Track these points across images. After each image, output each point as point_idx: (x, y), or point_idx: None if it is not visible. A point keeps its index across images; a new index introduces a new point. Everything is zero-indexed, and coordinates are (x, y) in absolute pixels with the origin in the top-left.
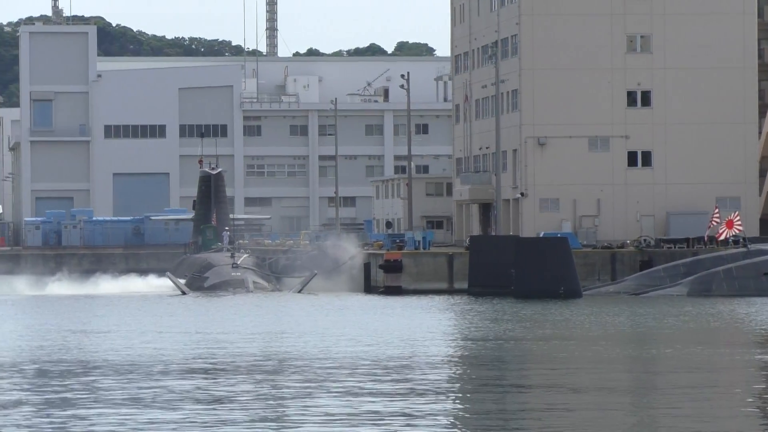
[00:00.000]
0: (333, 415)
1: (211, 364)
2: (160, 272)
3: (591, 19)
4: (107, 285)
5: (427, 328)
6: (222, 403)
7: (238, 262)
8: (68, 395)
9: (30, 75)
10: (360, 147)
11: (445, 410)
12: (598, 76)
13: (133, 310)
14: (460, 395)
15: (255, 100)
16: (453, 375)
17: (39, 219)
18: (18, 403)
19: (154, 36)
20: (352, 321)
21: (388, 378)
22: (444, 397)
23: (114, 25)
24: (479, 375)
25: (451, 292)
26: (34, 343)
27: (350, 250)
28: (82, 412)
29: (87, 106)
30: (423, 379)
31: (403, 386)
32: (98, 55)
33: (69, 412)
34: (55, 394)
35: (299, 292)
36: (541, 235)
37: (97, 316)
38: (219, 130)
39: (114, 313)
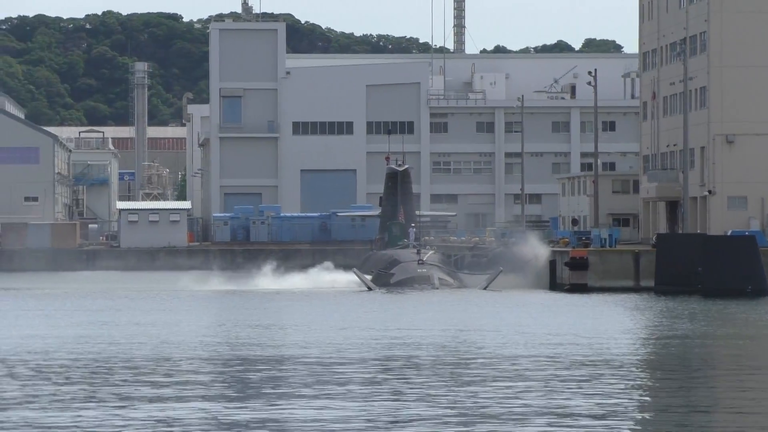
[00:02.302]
0: (510, 412)
1: (396, 359)
2: (347, 268)
3: None
4: (295, 280)
5: (613, 325)
6: (403, 398)
7: (424, 259)
8: (254, 389)
9: (220, 72)
10: (546, 144)
11: (628, 409)
12: None
13: (321, 306)
14: (645, 394)
15: (442, 97)
16: (638, 373)
17: (227, 215)
18: (206, 397)
19: (343, 33)
20: (538, 318)
21: (571, 376)
22: (629, 396)
23: (303, 22)
24: (665, 373)
25: (637, 290)
26: (222, 338)
27: (536, 248)
28: (267, 406)
29: (275, 102)
30: (608, 378)
31: (587, 384)
32: (287, 52)
33: (255, 406)
34: (240, 388)
35: (485, 288)
36: (728, 233)
37: (285, 312)
38: (406, 127)
39: (302, 309)
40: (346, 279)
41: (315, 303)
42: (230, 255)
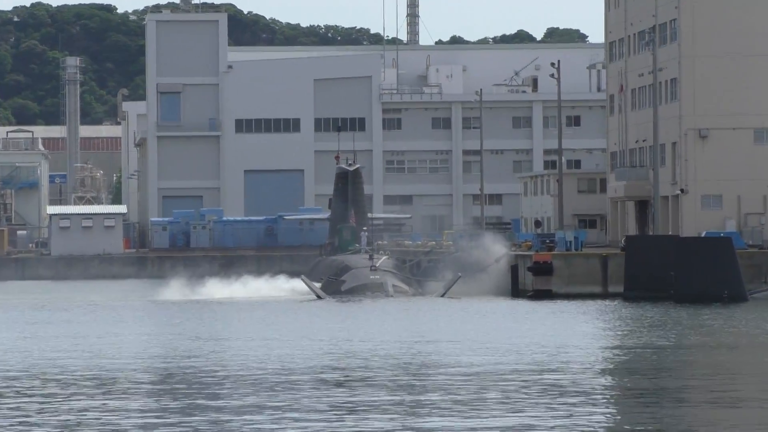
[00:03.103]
0: (468, 429)
1: (345, 373)
2: (295, 275)
3: (756, 2)
4: (237, 289)
5: (578, 334)
6: (355, 414)
7: (377, 265)
8: (193, 406)
9: (157, 66)
10: (507, 141)
11: (594, 425)
12: (764, 64)
13: (266, 316)
14: (612, 409)
15: (395, 92)
16: (605, 386)
17: (166, 219)
18: (142, 412)
19: (288, 24)
20: (497, 327)
21: (533, 390)
22: (593, 410)
23: (246, 12)
24: (634, 386)
25: (605, 296)
26: (159, 350)
27: (496, 252)
28: (207, 424)
29: (217, 98)
30: (572, 391)
31: (549, 399)
32: (229, 44)
33: (195, 424)
34: (179, 405)
35: (442, 296)
36: (702, 235)
37: (227, 322)
38: (357, 124)
39: (245, 319)
40: (293, 287)
41: (259, 313)
42: (169, 262)
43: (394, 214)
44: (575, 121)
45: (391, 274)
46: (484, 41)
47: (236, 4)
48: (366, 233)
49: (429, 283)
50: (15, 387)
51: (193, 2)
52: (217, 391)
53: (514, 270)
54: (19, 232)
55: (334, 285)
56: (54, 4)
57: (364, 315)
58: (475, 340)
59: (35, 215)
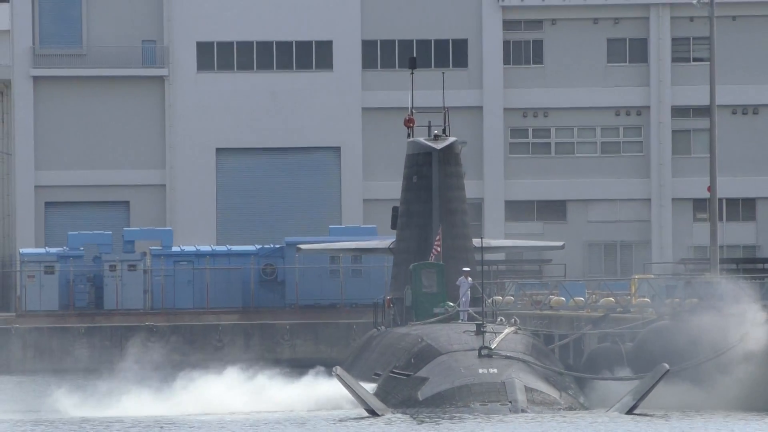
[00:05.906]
0: None
1: None
2: (326, 366)
3: None
4: (209, 397)
5: None
6: None
7: (493, 346)
8: None
9: None
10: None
11: None
12: None
13: None
14: None
15: None
16: None
17: (53, 251)
18: None
19: None
20: None
21: None
22: None
23: None
24: None
25: None
26: None
27: (745, 319)
28: None
29: (160, 2)
30: None
31: None
32: None
33: None
34: None
35: (630, 411)
36: None
37: None
38: (451, 53)
39: None
40: (319, 393)
41: None
42: (58, 340)
43: (528, 240)
44: None
45: (524, 365)
46: None
47: None
48: (470, 281)
49: (603, 384)
50: None
51: None
52: None
53: None
54: None
55: (405, 387)
56: None
57: None
58: None
59: None
